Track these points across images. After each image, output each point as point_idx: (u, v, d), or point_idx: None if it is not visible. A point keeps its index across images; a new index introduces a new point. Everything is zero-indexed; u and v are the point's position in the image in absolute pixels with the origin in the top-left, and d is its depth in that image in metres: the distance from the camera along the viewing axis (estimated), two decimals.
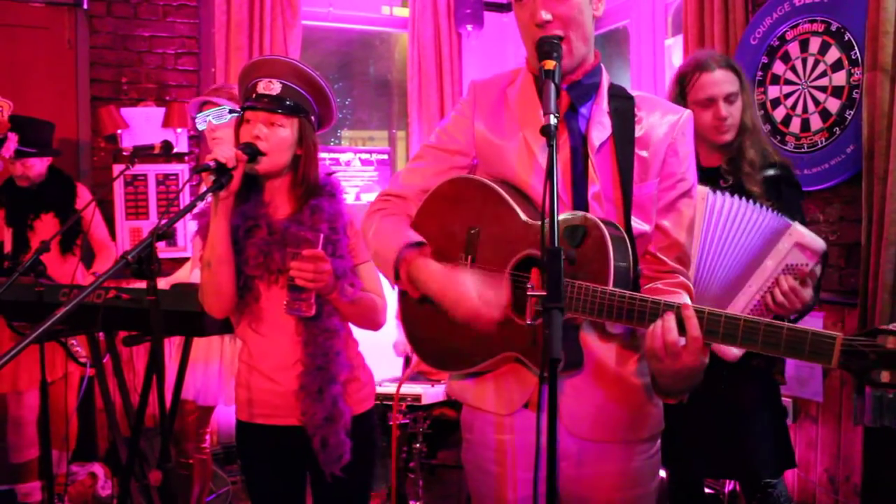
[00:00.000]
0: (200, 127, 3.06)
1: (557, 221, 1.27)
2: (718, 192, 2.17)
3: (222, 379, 3.11)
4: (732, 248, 2.15)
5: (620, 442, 1.59)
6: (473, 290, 1.50)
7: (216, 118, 2.98)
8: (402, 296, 1.72)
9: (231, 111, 2.96)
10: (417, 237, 1.64)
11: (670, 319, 1.31)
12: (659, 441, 1.67)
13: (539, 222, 1.51)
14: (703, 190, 2.17)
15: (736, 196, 2.17)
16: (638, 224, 1.55)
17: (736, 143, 2.34)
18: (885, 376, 1.15)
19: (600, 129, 1.56)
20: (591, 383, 1.56)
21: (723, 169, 2.36)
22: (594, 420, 1.57)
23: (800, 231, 2.12)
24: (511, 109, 1.65)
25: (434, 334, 1.66)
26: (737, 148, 2.34)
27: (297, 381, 2.02)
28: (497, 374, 1.62)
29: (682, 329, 1.32)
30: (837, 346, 1.19)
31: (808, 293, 2.09)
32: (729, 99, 2.31)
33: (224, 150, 1.90)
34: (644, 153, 1.55)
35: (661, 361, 1.33)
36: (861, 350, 1.17)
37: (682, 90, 2.37)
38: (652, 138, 1.57)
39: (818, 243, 2.13)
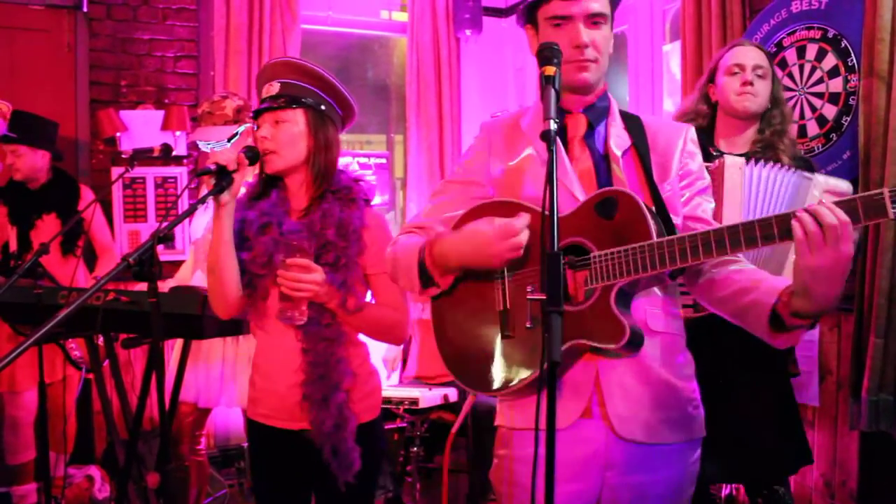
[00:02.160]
0: (204, 149, 3.10)
1: (557, 225, 1.30)
2: (752, 162, 2.26)
3: (224, 381, 3.11)
4: (773, 212, 2.20)
5: (669, 445, 1.59)
6: (487, 223, 1.53)
7: (218, 147, 3.01)
8: (438, 318, 1.67)
9: (229, 139, 2.99)
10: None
11: (819, 207, 1.32)
12: (699, 449, 1.67)
13: (565, 214, 1.55)
14: (738, 160, 2.26)
15: (763, 163, 2.26)
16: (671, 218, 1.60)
17: (768, 132, 2.43)
18: None
19: (620, 141, 1.66)
20: (639, 383, 1.56)
21: (751, 153, 2.41)
22: (640, 421, 1.56)
23: (822, 178, 2.26)
24: (522, 133, 1.72)
25: (482, 355, 1.60)
26: (770, 135, 2.42)
27: (299, 387, 2.00)
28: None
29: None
30: (887, 198, 1.28)
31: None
32: (756, 71, 2.41)
33: (225, 153, 1.92)
34: (662, 161, 1.65)
35: (822, 252, 1.31)
36: None
37: (714, 69, 2.50)
38: (666, 149, 1.67)
39: (844, 184, 2.26)
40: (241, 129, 2.99)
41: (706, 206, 1.68)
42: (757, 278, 1.53)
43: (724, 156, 2.28)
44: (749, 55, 2.43)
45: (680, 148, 1.67)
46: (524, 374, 1.56)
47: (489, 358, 1.60)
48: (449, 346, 1.68)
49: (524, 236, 1.51)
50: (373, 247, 2.03)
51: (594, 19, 1.60)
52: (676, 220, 1.61)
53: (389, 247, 1.77)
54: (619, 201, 1.50)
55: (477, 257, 1.55)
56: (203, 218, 3.09)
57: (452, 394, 3.84)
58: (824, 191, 2.22)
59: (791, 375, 2.47)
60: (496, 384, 1.60)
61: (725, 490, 3.30)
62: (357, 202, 2.05)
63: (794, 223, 1.33)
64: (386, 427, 3.72)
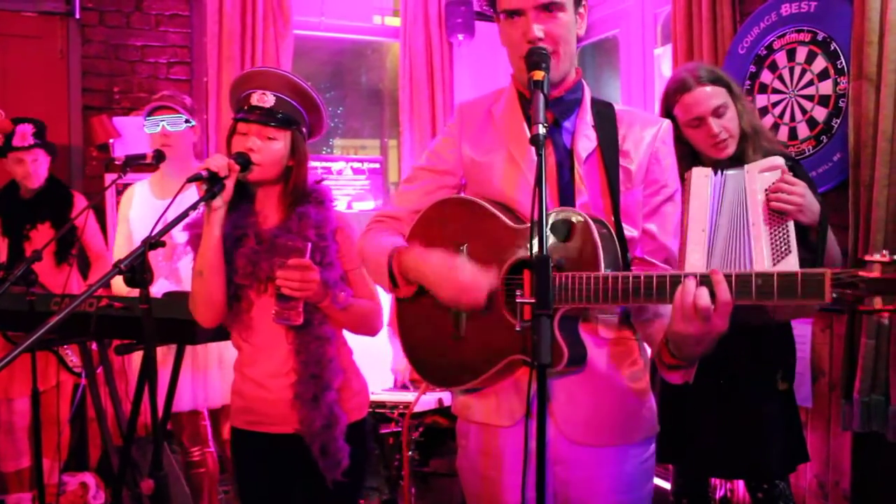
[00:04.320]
0: (150, 130, 3.07)
1: (547, 229, 1.30)
2: (718, 173, 2.21)
3: (194, 384, 3.10)
4: (734, 212, 2.21)
5: (614, 446, 1.61)
6: (463, 269, 1.53)
7: (172, 125, 3.01)
8: (399, 311, 1.72)
9: (187, 121, 3.00)
10: (405, 243, 1.69)
11: (702, 288, 1.31)
12: (653, 446, 1.69)
13: (525, 226, 1.55)
14: (706, 170, 2.22)
15: (722, 171, 2.22)
16: (627, 230, 1.59)
17: (737, 154, 2.35)
18: (877, 302, 1.22)
19: (586, 142, 1.61)
20: (585, 387, 1.58)
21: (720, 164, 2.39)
22: (588, 424, 1.59)
23: (752, 164, 2.21)
24: (496, 126, 1.69)
25: (436, 351, 1.67)
26: (738, 157, 2.35)
27: (291, 389, 2.02)
28: (498, 389, 1.63)
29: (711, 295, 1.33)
30: (827, 281, 1.23)
31: (799, 184, 2.15)
32: (717, 112, 2.31)
33: (216, 160, 1.93)
34: (628, 164, 1.61)
35: (691, 323, 1.33)
36: (850, 281, 1.22)
37: (670, 113, 2.38)
38: (634, 150, 1.62)
39: (775, 160, 2.21)
40: (193, 122, 3.10)
41: (666, 216, 1.65)
42: (658, 311, 1.54)
43: (693, 168, 2.26)
44: (701, 100, 2.30)
45: (649, 152, 1.62)
46: (480, 371, 1.60)
47: (446, 355, 1.64)
48: (410, 341, 1.72)
49: (476, 304, 1.53)
50: (345, 244, 2.10)
51: (548, 8, 1.53)
52: (632, 233, 1.60)
53: (360, 237, 1.80)
54: (574, 225, 1.48)
55: (439, 291, 1.56)
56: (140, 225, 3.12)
57: (447, 398, 3.84)
58: (760, 171, 2.19)
59: (778, 387, 2.44)
60: (454, 381, 1.66)
61: (720, 492, 3.30)
62: (325, 204, 2.09)
63: (677, 291, 1.33)
64: (381, 431, 3.72)
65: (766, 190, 2.17)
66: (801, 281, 1.26)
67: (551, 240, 1.49)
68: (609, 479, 1.61)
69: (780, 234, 2.18)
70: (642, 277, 1.38)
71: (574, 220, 1.48)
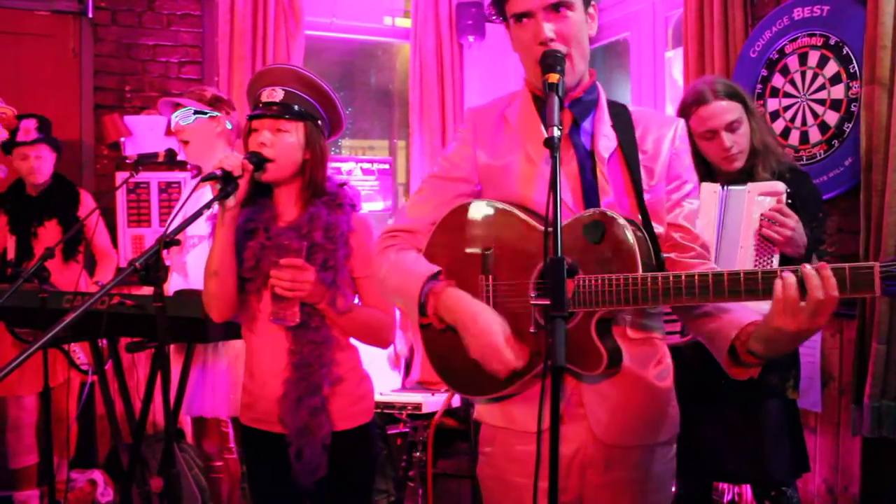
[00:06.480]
0: (173, 128, 3.10)
1: (561, 230, 1.30)
2: (726, 187, 2.33)
3: (203, 389, 3.10)
4: (729, 229, 2.32)
5: (644, 446, 1.61)
6: (500, 331, 1.51)
7: (182, 119, 3.01)
8: (425, 329, 1.66)
9: (196, 112, 2.99)
10: (436, 267, 1.62)
11: (813, 274, 1.26)
12: (675, 445, 1.69)
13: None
14: (714, 186, 2.34)
15: (726, 187, 2.34)
16: (654, 227, 1.59)
17: (747, 169, 2.39)
18: None
19: (606, 141, 1.61)
20: (615, 388, 1.57)
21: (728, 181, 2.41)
22: (620, 425, 1.58)
23: (755, 185, 2.30)
24: (511, 129, 1.67)
25: (466, 359, 1.60)
26: (747, 173, 2.39)
27: (282, 388, 2.02)
28: (528, 394, 1.59)
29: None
30: (876, 273, 1.22)
31: (792, 217, 2.22)
32: (731, 127, 2.34)
33: (230, 159, 1.92)
34: (649, 162, 1.61)
35: (796, 318, 1.27)
36: None
37: (684, 119, 2.41)
38: (654, 148, 1.62)
39: (777, 185, 2.28)
40: (213, 113, 2.99)
41: (688, 211, 1.64)
42: (722, 306, 1.51)
43: (703, 184, 2.33)
44: (717, 114, 2.33)
45: (668, 149, 1.62)
46: (515, 377, 1.56)
47: (476, 363, 1.58)
48: (436, 349, 1.66)
49: (501, 369, 1.51)
50: (359, 250, 2.05)
51: (557, 8, 1.52)
52: (659, 229, 1.60)
53: (380, 257, 1.72)
54: (607, 227, 1.47)
55: (470, 333, 1.53)
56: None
57: (456, 399, 3.84)
58: (759, 193, 2.26)
59: (787, 397, 2.44)
60: (485, 388, 1.61)
61: (728, 496, 3.30)
62: (343, 207, 2.06)
63: (777, 282, 1.29)
64: (389, 432, 3.73)
65: (761, 215, 2.24)
66: (849, 274, 1.25)
67: (584, 242, 1.48)
68: (639, 480, 1.60)
69: (764, 264, 2.23)
70: (725, 274, 1.35)
71: (607, 223, 1.47)
